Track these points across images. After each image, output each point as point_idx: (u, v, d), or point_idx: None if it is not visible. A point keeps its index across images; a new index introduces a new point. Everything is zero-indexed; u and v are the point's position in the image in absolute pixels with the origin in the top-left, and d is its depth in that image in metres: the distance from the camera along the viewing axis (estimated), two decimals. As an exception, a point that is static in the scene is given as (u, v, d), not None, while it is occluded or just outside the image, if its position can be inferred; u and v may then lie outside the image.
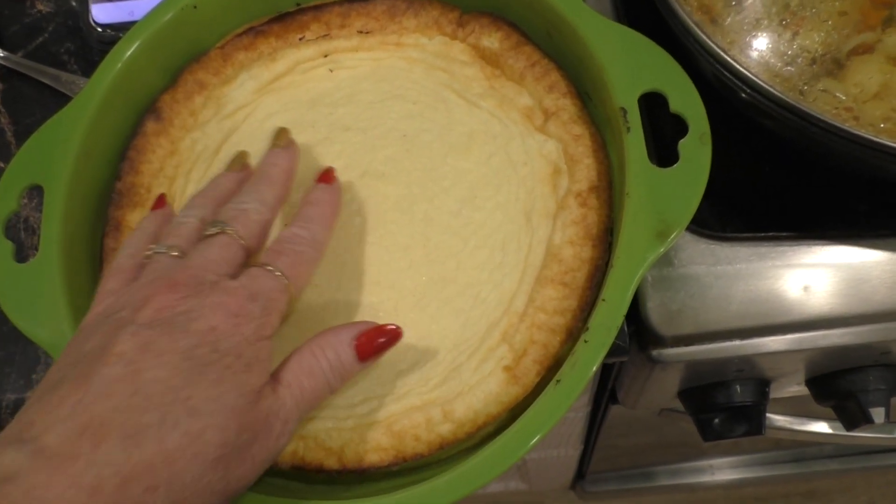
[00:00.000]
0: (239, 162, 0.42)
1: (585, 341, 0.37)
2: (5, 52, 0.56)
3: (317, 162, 0.45)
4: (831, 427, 0.63)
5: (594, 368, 0.36)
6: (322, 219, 0.39)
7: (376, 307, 0.41)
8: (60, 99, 0.55)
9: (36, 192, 0.51)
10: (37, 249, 0.44)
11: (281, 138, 0.42)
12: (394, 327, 0.36)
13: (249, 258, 0.36)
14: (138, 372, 0.30)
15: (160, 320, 0.31)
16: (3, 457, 0.27)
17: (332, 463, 0.39)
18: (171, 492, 0.29)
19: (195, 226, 0.37)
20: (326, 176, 0.41)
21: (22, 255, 0.49)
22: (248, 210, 0.37)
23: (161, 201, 0.42)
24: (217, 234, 0.35)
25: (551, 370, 0.39)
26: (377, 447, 0.39)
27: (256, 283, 0.34)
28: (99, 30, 0.54)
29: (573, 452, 0.90)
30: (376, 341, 0.36)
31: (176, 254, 0.35)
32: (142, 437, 0.28)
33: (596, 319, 0.37)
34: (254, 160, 0.46)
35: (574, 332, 0.39)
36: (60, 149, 0.44)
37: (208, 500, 0.30)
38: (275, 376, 0.34)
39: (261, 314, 0.33)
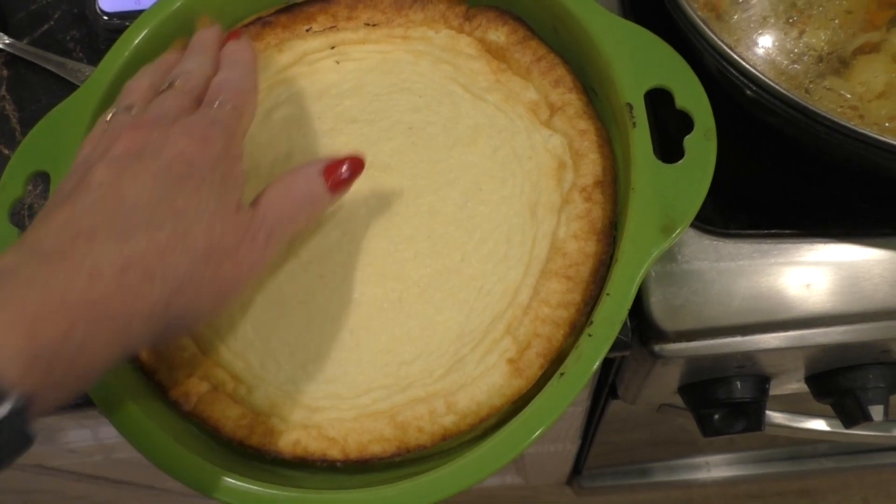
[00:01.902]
0: (179, 43, 0.44)
1: (590, 335, 0.37)
2: (11, 39, 0.56)
3: (324, 153, 0.45)
4: (829, 424, 0.63)
5: (598, 362, 0.36)
6: (245, 61, 0.41)
7: (381, 298, 0.42)
8: (65, 86, 0.55)
9: (41, 179, 0.51)
10: (42, 236, 0.44)
11: (203, 22, 0.44)
12: (356, 156, 0.39)
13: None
14: (119, 189, 0.32)
15: (130, 152, 0.34)
16: (5, 258, 0.30)
17: (335, 453, 0.39)
18: (167, 281, 0.31)
19: (146, 87, 0.39)
20: (233, 35, 0.43)
21: (26, 242, 0.49)
22: (192, 70, 0.39)
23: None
24: (167, 89, 0.38)
25: (554, 363, 0.39)
26: (380, 438, 0.39)
27: (211, 114, 0.37)
28: (105, 18, 0.54)
29: (571, 447, 0.90)
30: (340, 170, 0.38)
31: (133, 112, 0.37)
32: (131, 235, 0.31)
33: (600, 313, 0.37)
34: (260, 151, 0.46)
35: (577, 326, 0.40)
36: (67, 136, 0.44)
37: (203, 292, 0.33)
38: (254, 202, 0.37)
39: (223, 134, 0.36)
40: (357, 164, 0.39)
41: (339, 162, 0.39)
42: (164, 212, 0.32)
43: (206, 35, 0.43)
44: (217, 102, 0.37)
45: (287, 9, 0.49)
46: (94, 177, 0.33)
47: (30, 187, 0.51)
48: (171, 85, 0.38)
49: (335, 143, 0.45)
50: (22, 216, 0.51)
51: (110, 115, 0.38)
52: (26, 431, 0.28)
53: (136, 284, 0.30)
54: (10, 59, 0.56)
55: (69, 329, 0.29)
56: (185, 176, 0.33)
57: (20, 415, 0.27)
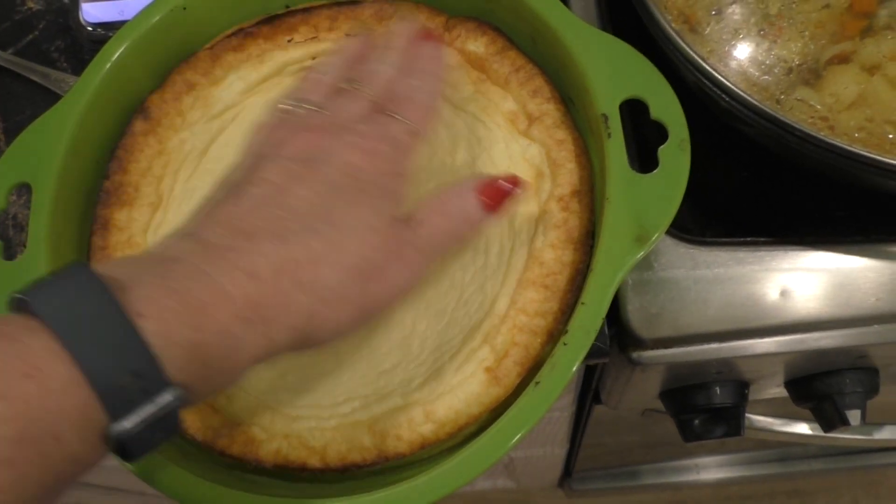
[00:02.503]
0: (368, 30, 0.44)
1: (565, 343, 0.37)
2: (-5, 50, 0.56)
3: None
4: (811, 428, 0.64)
5: (573, 370, 0.37)
6: (435, 71, 0.40)
7: (360, 308, 0.42)
8: (50, 97, 0.55)
9: (25, 189, 0.51)
10: (25, 246, 0.44)
11: (402, 16, 0.45)
12: (514, 176, 0.37)
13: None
14: (283, 192, 0.33)
15: (301, 156, 0.34)
16: (175, 244, 0.31)
17: (314, 462, 0.39)
18: (316, 290, 0.31)
19: (329, 83, 0.39)
20: (430, 35, 0.42)
21: (10, 253, 0.50)
22: (376, 71, 0.39)
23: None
24: (349, 89, 0.38)
25: (532, 371, 0.40)
26: (359, 447, 0.39)
27: (386, 127, 0.36)
28: (89, 28, 0.55)
29: (559, 451, 0.90)
30: (496, 187, 0.37)
31: (311, 108, 0.38)
32: (288, 240, 0.31)
33: (575, 322, 0.38)
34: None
35: (555, 334, 0.40)
36: (49, 147, 0.44)
37: (347, 308, 0.32)
38: (407, 217, 0.36)
39: (393, 153, 0.36)
40: (515, 182, 0.37)
41: (495, 180, 0.37)
42: (321, 220, 0.32)
43: (403, 30, 0.42)
44: (395, 115, 0.37)
45: (268, 20, 0.50)
46: (263, 174, 0.34)
47: (13, 197, 0.51)
48: (354, 85, 0.38)
49: (316, 153, 0.46)
50: (6, 227, 0.51)
51: (289, 104, 0.38)
52: (177, 422, 0.28)
53: (288, 291, 0.31)
54: (-6, 69, 0.57)
55: (229, 325, 0.29)
56: (347, 187, 0.34)
57: (177, 405, 0.27)
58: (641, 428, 0.82)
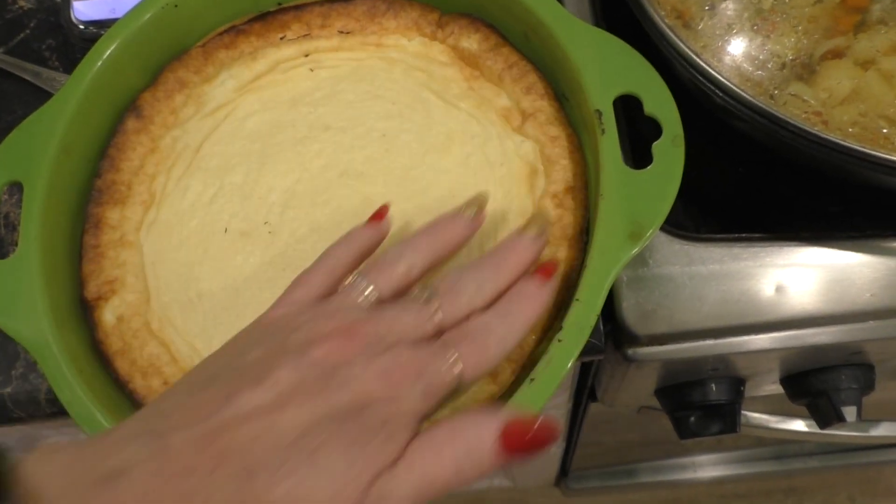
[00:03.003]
0: (474, 207, 0.37)
1: (559, 340, 0.37)
2: (-14, 49, 0.56)
3: (298, 161, 0.45)
4: (806, 425, 0.64)
5: (568, 367, 0.37)
6: (525, 318, 0.34)
7: (354, 306, 0.42)
8: (41, 95, 0.55)
9: (17, 188, 0.51)
10: (16, 245, 0.44)
11: (535, 224, 0.37)
12: (553, 425, 0.30)
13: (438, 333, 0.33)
14: (282, 407, 0.29)
15: (324, 364, 0.30)
16: (126, 447, 0.27)
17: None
18: None
19: (403, 273, 0.35)
20: (548, 271, 0.36)
21: (2, 252, 0.49)
22: (463, 292, 0.34)
23: (382, 213, 0.39)
24: (420, 300, 0.33)
25: (526, 369, 0.40)
26: (353, 444, 0.39)
27: (430, 365, 0.31)
28: (80, 27, 0.54)
29: (556, 449, 0.90)
30: (527, 438, 0.29)
31: (372, 293, 0.34)
32: (256, 476, 0.27)
33: (570, 319, 0.38)
34: (233, 160, 0.46)
35: (549, 331, 0.40)
36: (40, 146, 0.44)
37: None
38: (398, 457, 0.30)
39: (420, 396, 0.30)
40: (550, 433, 0.30)
41: (532, 420, 0.30)
42: (301, 457, 0.28)
43: (518, 249, 0.36)
44: (453, 355, 0.31)
45: (261, 17, 0.49)
46: (275, 372, 0.30)
47: (5, 196, 0.51)
48: (427, 298, 0.33)
49: (309, 150, 0.46)
50: (-2, 226, 0.51)
51: (350, 280, 0.34)
52: None
53: None
54: (-15, 68, 0.56)
55: None
56: (350, 425, 0.29)
57: None
58: (637, 426, 0.82)
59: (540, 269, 0.35)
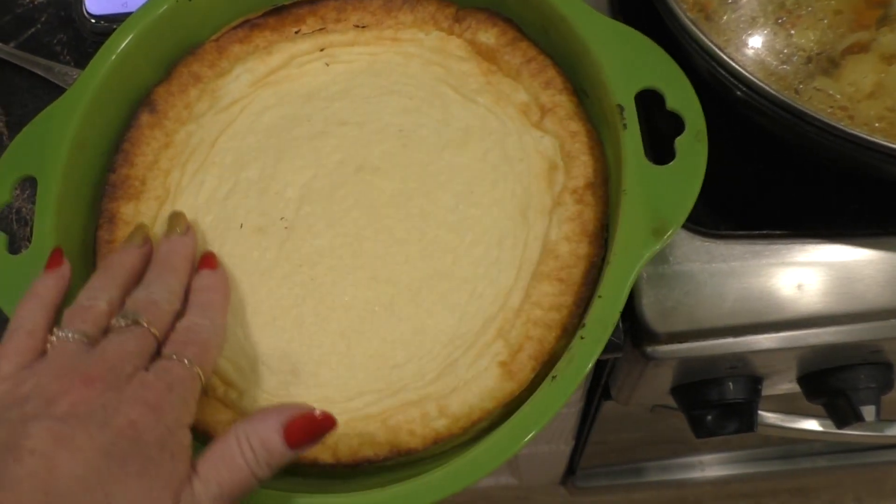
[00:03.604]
0: (140, 236, 0.41)
1: (582, 337, 0.37)
2: (-3, 43, 0.56)
3: (314, 156, 0.45)
4: (821, 425, 0.64)
5: (590, 364, 0.36)
6: (217, 305, 0.39)
7: (372, 301, 0.41)
8: (53, 90, 0.55)
9: (28, 183, 0.50)
10: (29, 240, 0.43)
11: (178, 223, 0.41)
12: (326, 416, 0.34)
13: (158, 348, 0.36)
14: (52, 469, 0.28)
15: (76, 415, 0.30)
16: None
17: (326, 457, 0.39)
18: None
19: (103, 309, 0.36)
20: (209, 262, 0.41)
21: (14, 247, 0.49)
22: (159, 301, 0.37)
23: (57, 258, 0.40)
24: (130, 325, 0.35)
25: (546, 366, 0.39)
26: (372, 442, 0.39)
27: (171, 374, 0.33)
28: (92, 21, 0.54)
29: (565, 448, 0.90)
30: (308, 427, 0.33)
31: (83, 339, 0.34)
32: None
33: (592, 315, 0.37)
34: (249, 155, 0.46)
35: (569, 328, 0.40)
36: (54, 140, 0.43)
37: None
38: (193, 467, 0.32)
39: (180, 403, 0.33)
40: (327, 424, 0.34)
41: (306, 419, 0.33)
42: (95, 500, 0.28)
43: (181, 249, 0.40)
44: (181, 359, 0.34)
45: (275, 11, 0.49)
46: (29, 440, 0.28)
47: (17, 192, 0.51)
48: (133, 320, 0.35)
49: (325, 145, 0.45)
50: (9, 220, 0.50)
51: (56, 335, 0.34)
52: None
53: None
54: (-4, 62, 0.56)
55: None
56: (130, 454, 0.29)
57: None
58: (647, 425, 0.82)
59: (203, 262, 0.40)
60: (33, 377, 0.32)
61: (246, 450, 0.32)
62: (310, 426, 0.33)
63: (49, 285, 0.38)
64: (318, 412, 0.33)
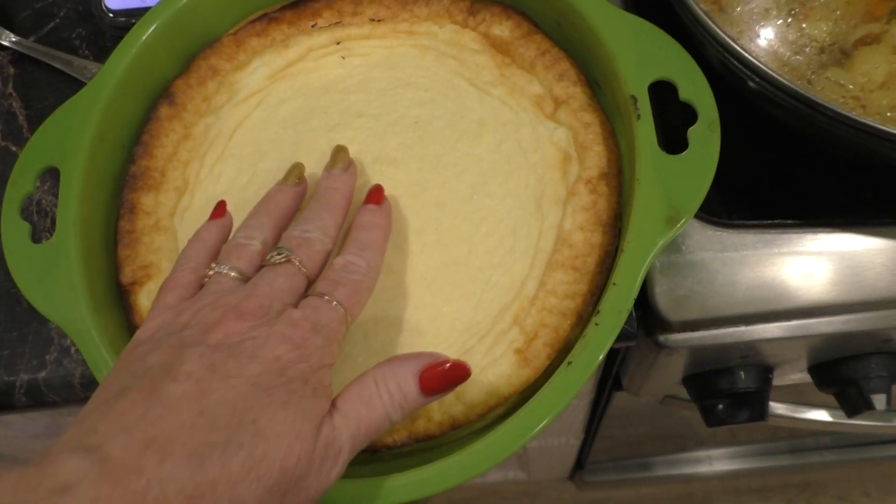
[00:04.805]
0: (295, 174, 0.41)
1: (596, 324, 0.37)
2: (17, 37, 0.56)
3: (331, 147, 0.45)
4: (832, 415, 0.64)
5: (605, 351, 0.37)
6: (376, 245, 0.39)
7: (389, 290, 0.42)
8: (72, 84, 0.55)
9: (48, 175, 0.51)
10: (49, 232, 0.44)
11: (340, 159, 0.41)
12: (459, 365, 0.35)
13: (310, 285, 0.37)
14: (205, 392, 0.30)
15: (228, 345, 0.32)
16: (66, 463, 0.26)
17: (345, 443, 0.39)
18: None
19: (258, 248, 0.37)
20: (377, 196, 0.41)
21: (35, 237, 0.50)
22: (312, 239, 0.37)
23: (221, 209, 0.42)
24: (282, 262, 0.36)
25: (561, 353, 0.40)
26: (390, 428, 0.39)
27: (318, 315, 0.34)
28: (111, 15, 0.55)
29: (574, 441, 0.91)
30: (442, 377, 0.35)
31: (238, 276, 0.36)
32: (206, 458, 0.28)
33: (606, 303, 0.38)
34: (266, 146, 0.46)
35: (584, 316, 0.40)
36: (76, 132, 0.44)
37: None
38: (333, 403, 0.33)
39: (323, 344, 0.33)
40: (462, 372, 0.35)
41: (442, 366, 0.34)
42: (245, 429, 0.29)
43: (341, 186, 0.40)
44: (331, 299, 0.35)
45: (293, 4, 0.50)
46: (185, 364, 0.30)
47: (38, 183, 0.52)
48: (286, 257, 0.36)
49: (342, 137, 0.46)
50: (30, 211, 0.51)
51: (217, 269, 0.36)
52: None
53: None
54: (16, 56, 0.57)
55: None
56: (275, 386, 0.31)
57: None
58: (655, 419, 0.82)
59: (369, 196, 0.40)
60: (192, 307, 0.34)
61: (384, 391, 0.34)
62: (444, 375, 0.34)
63: (212, 231, 0.40)
64: (449, 364, 0.35)
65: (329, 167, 0.41)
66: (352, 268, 0.37)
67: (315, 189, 0.41)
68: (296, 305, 0.35)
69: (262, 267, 0.37)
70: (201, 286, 0.37)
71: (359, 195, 0.44)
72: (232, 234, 0.39)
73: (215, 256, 0.39)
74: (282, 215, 0.40)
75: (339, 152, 0.42)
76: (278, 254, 0.36)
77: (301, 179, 0.42)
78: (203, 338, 0.32)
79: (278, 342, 0.32)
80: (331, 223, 0.39)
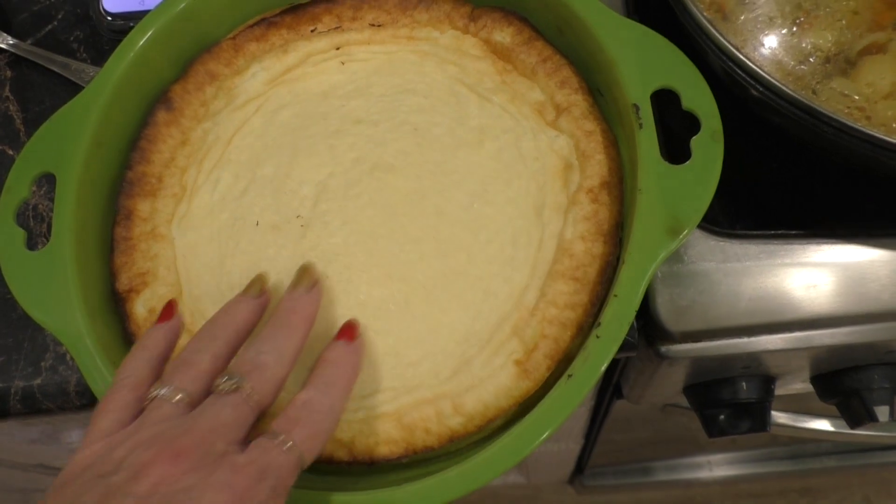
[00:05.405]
0: (257, 286, 0.38)
1: (598, 336, 0.37)
2: (14, 40, 0.56)
3: (330, 154, 0.45)
4: (834, 425, 0.64)
5: (606, 363, 0.36)
6: (343, 384, 0.35)
7: (387, 299, 0.42)
8: (70, 87, 0.55)
9: (45, 180, 0.51)
10: (45, 237, 0.44)
11: (305, 279, 0.38)
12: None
13: (260, 415, 0.34)
14: None
15: (158, 495, 0.28)
16: None
17: (342, 455, 0.39)
18: None
19: (206, 368, 0.34)
20: (350, 332, 0.37)
21: (31, 243, 0.49)
22: (267, 364, 0.34)
23: (169, 311, 0.39)
24: (231, 391, 0.32)
25: (561, 364, 0.39)
26: (387, 439, 0.39)
27: (267, 459, 0.31)
28: (109, 18, 0.54)
29: (574, 447, 0.90)
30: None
31: (181, 399, 0.32)
32: None
33: (608, 314, 0.37)
34: (264, 153, 0.46)
35: (584, 327, 0.40)
36: (72, 137, 0.44)
37: None
38: None
39: (269, 496, 0.30)
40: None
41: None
42: None
43: (302, 308, 0.37)
44: (285, 441, 0.31)
45: (292, 9, 0.49)
46: None
47: (34, 188, 0.51)
48: (236, 385, 0.32)
49: (341, 143, 0.45)
50: (26, 216, 0.51)
51: (156, 393, 0.33)
52: None
53: None
54: (13, 59, 0.56)
55: None
56: None
57: None
58: (655, 424, 0.82)
59: (342, 332, 0.37)
60: (126, 442, 0.31)
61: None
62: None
63: (158, 338, 0.37)
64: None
65: (292, 286, 0.38)
66: (315, 406, 0.33)
67: (275, 308, 0.37)
68: (244, 440, 0.32)
69: (209, 390, 0.33)
70: (141, 409, 0.33)
71: (356, 203, 0.43)
72: (182, 345, 0.36)
73: (159, 369, 0.36)
74: (238, 330, 0.36)
75: (305, 271, 0.39)
76: (228, 379, 0.33)
77: (262, 292, 0.38)
78: (132, 486, 0.28)
79: (216, 492, 0.28)
80: (288, 347, 0.35)
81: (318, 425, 0.33)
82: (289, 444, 0.31)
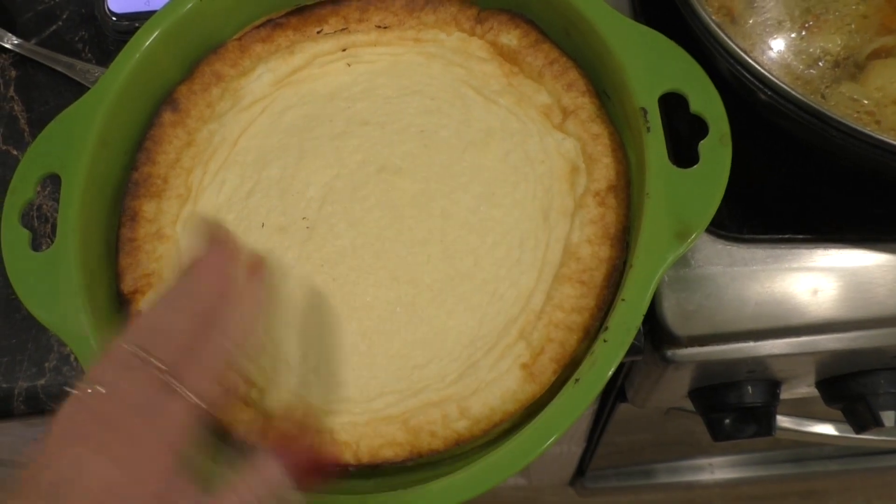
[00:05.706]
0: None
1: (605, 341, 0.37)
2: (19, 40, 0.56)
3: (336, 156, 0.45)
4: (838, 429, 0.63)
5: (614, 368, 0.36)
6: (244, 322, 0.34)
7: (393, 302, 0.41)
8: (74, 87, 0.55)
9: (49, 180, 0.51)
10: (50, 238, 0.44)
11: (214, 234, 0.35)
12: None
13: None
14: None
15: (53, 481, 0.27)
16: None
17: (347, 457, 0.39)
18: None
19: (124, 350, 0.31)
20: (256, 264, 0.36)
21: (35, 244, 0.49)
22: (172, 329, 0.32)
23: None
24: (138, 363, 0.30)
25: (567, 369, 0.39)
26: (393, 442, 0.39)
27: (161, 414, 0.29)
28: (114, 19, 0.54)
29: (576, 449, 0.90)
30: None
31: (93, 392, 0.29)
32: None
33: (615, 319, 0.37)
34: (271, 154, 0.46)
35: (591, 331, 0.39)
36: (78, 138, 0.44)
37: None
38: None
39: (163, 457, 0.28)
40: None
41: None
42: None
43: (215, 259, 0.34)
44: (179, 388, 0.29)
45: (298, 10, 0.49)
46: None
47: (39, 189, 0.51)
48: (142, 353, 0.30)
49: (347, 145, 0.45)
50: (31, 217, 0.51)
51: (82, 387, 0.30)
52: None
53: None
54: (18, 59, 0.56)
55: None
56: None
57: None
58: (659, 425, 0.82)
59: (252, 266, 0.36)
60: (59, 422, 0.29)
61: None
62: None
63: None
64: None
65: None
66: (214, 349, 0.32)
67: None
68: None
69: None
70: None
71: (363, 205, 0.43)
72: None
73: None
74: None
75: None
76: (137, 351, 0.31)
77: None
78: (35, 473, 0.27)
79: (101, 462, 0.28)
80: (196, 303, 0.33)
81: (216, 366, 0.32)
82: (187, 391, 0.30)
